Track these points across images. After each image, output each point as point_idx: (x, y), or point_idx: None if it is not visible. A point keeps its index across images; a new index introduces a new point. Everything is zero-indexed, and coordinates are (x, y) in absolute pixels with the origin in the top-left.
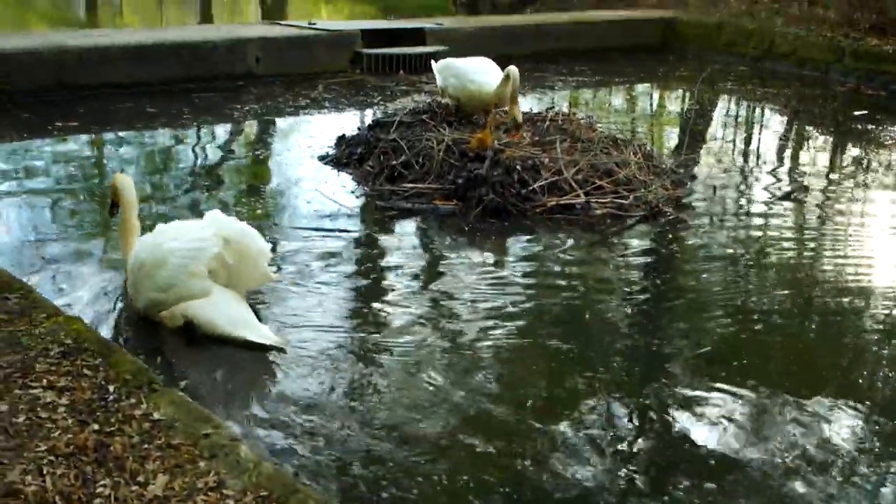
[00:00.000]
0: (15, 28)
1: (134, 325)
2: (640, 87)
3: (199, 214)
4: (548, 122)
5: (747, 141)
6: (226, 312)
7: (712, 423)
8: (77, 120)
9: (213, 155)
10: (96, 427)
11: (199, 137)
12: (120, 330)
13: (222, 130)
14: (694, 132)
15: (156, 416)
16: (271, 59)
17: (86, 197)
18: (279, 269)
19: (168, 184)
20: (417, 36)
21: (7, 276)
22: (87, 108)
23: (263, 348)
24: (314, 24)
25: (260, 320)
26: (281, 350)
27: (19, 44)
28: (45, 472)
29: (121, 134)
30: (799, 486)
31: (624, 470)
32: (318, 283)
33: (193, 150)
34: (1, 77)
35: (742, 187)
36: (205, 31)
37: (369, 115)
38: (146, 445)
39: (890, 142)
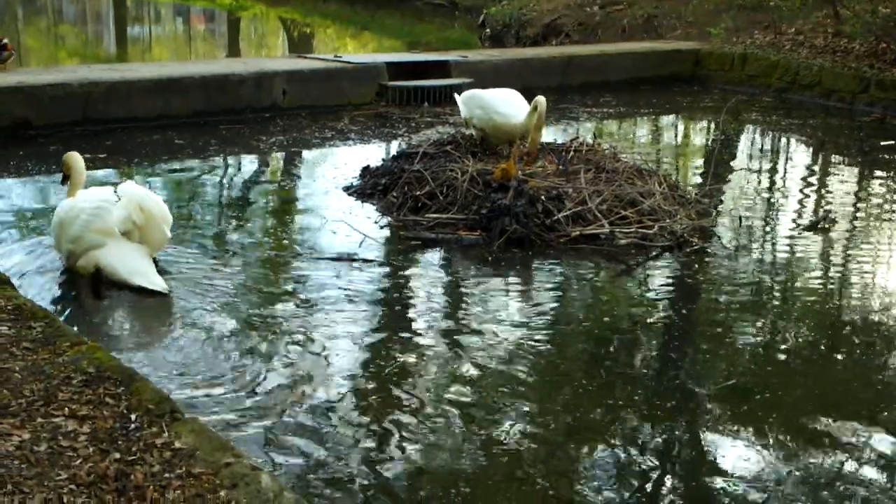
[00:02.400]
0: (47, 64)
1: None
2: (665, 119)
3: (226, 245)
4: (572, 153)
5: (772, 171)
6: (127, 263)
7: (738, 456)
8: (105, 152)
9: (240, 186)
10: (117, 456)
11: (225, 169)
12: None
13: (249, 162)
14: (719, 162)
15: (177, 444)
16: (297, 92)
17: None
18: (307, 300)
19: (195, 215)
20: (443, 68)
21: (31, 305)
22: (115, 140)
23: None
24: (340, 57)
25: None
26: (164, 294)
27: (49, 78)
28: (65, 500)
29: (148, 166)
30: None
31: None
32: (342, 312)
33: (220, 182)
34: (31, 111)
35: (767, 217)
36: (232, 65)
37: (394, 147)
38: (167, 474)
39: None
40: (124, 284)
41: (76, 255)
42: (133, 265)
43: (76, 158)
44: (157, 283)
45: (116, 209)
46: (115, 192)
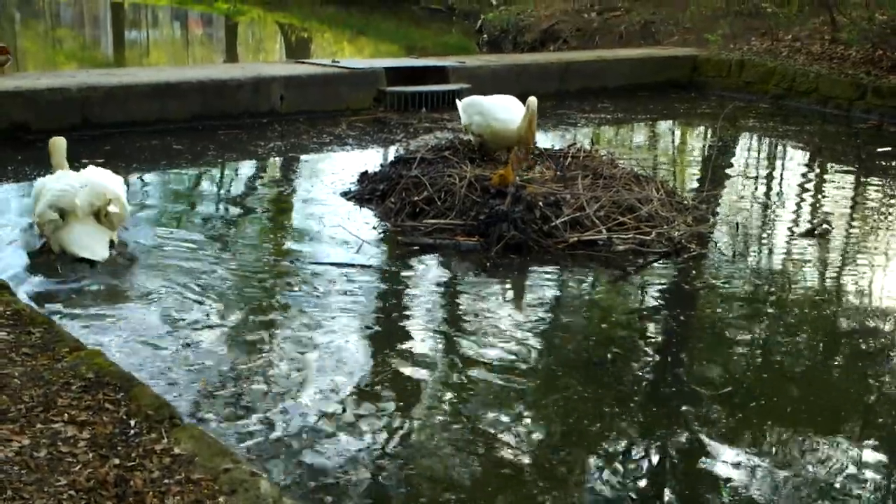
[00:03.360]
0: (44, 68)
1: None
2: (663, 125)
3: (223, 250)
4: (570, 159)
5: (770, 178)
6: (81, 241)
7: (734, 463)
8: (103, 157)
9: (238, 191)
10: (117, 461)
11: (223, 174)
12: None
13: (247, 167)
14: (716, 169)
15: (176, 450)
16: (295, 97)
17: None
18: (304, 306)
19: (193, 219)
20: (440, 74)
21: (30, 311)
22: (114, 145)
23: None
24: (338, 62)
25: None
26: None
27: (47, 82)
28: None
29: (146, 170)
30: None
31: None
32: (340, 317)
33: (218, 187)
34: (29, 115)
35: (765, 224)
36: (230, 70)
37: (392, 152)
38: (166, 480)
39: None
40: (74, 257)
41: (41, 228)
42: (84, 242)
43: (55, 144)
44: (97, 253)
45: (83, 193)
46: (80, 177)
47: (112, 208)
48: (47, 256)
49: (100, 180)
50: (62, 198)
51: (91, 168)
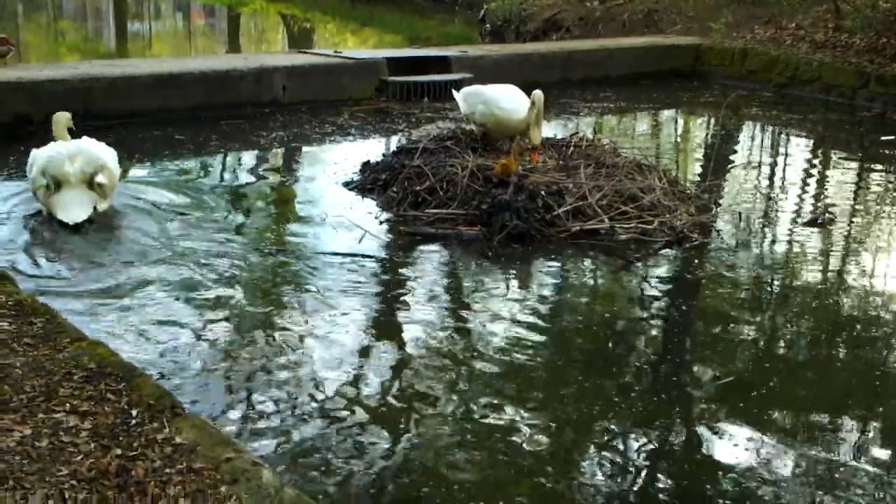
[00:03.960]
0: (47, 60)
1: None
2: (666, 114)
3: (225, 240)
4: (572, 148)
5: (773, 166)
6: (63, 204)
7: (738, 450)
8: None
9: (240, 181)
10: (118, 451)
11: (225, 164)
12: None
13: (249, 157)
14: (719, 158)
15: (178, 440)
16: (297, 87)
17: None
18: (307, 296)
19: (195, 210)
20: (443, 64)
21: (32, 301)
22: (116, 136)
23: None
24: (340, 52)
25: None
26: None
27: (49, 74)
28: (67, 496)
29: (149, 161)
30: None
31: (646, 498)
32: (342, 307)
33: (220, 177)
34: (31, 106)
35: (767, 213)
36: (232, 60)
37: (394, 142)
38: (168, 470)
39: None
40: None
41: (36, 195)
42: (66, 206)
43: (56, 118)
44: (70, 217)
45: (78, 162)
46: (71, 145)
47: (100, 178)
48: (36, 222)
49: (91, 148)
50: (50, 163)
51: (84, 138)
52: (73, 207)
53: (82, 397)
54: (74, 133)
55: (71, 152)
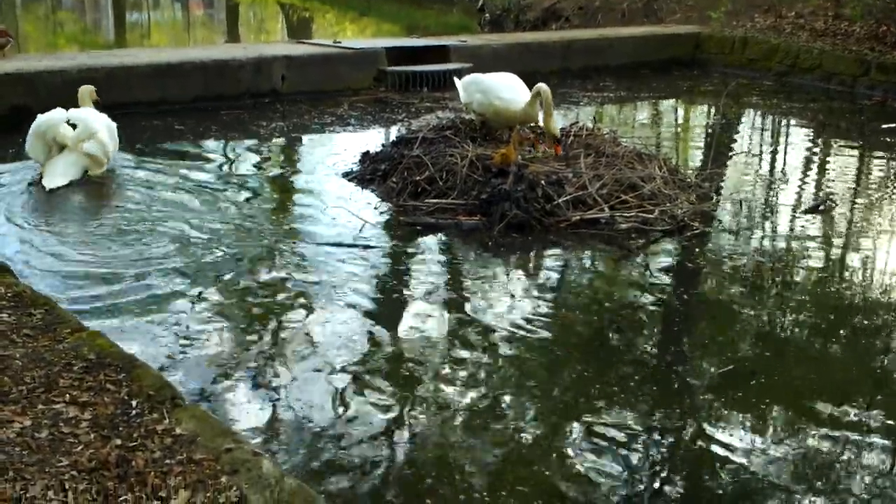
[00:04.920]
0: (46, 51)
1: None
2: (666, 103)
3: (225, 230)
4: (572, 137)
5: (773, 155)
6: (52, 167)
7: (738, 439)
8: None
9: (240, 171)
10: (118, 442)
11: (225, 154)
12: None
13: (249, 147)
14: (719, 146)
15: (178, 430)
16: (296, 77)
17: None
18: (307, 286)
19: (193, 200)
20: (442, 53)
21: (31, 292)
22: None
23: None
24: (339, 42)
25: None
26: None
27: (48, 65)
28: (67, 487)
29: (149, 151)
30: None
31: (646, 488)
32: (342, 297)
33: (220, 167)
34: (30, 97)
35: (768, 201)
36: (231, 50)
37: (393, 132)
38: (168, 460)
39: None
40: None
41: (32, 156)
42: (51, 170)
43: (81, 91)
44: (49, 183)
45: (77, 131)
46: (68, 116)
47: (87, 145)
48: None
49: (88, 117)
50: (41, 126)
51: (86, 108)
52: (56, 175)
53: (82, 388)
54: (99, 105)
55: (70, 117)
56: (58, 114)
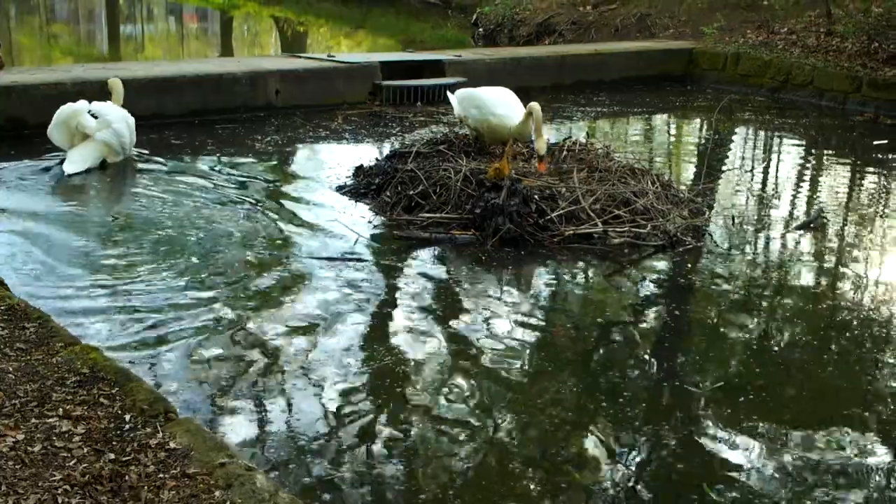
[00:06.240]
0: (40, 63)
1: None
2: (659, 118)
3: (219, 243)
4: (565, 152)
5: (765, 170)
6: (72, 156)
7: (729, 454)
8: None
9: (235, 185)
10: (112, 456)
11: (221, 168)
12: None
13: (244, 161)
14: (712, 162)
15: (171, 445)
16: (291, 91)
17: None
18: (300, 300)
19: (189, 213)
20: (436, 68)
21: (25, 306)
22: None
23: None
24: (333, 56)
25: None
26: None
27: (43, 77)
28: (60, 501)
29: (144, 164)
30: None
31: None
32: (335, 311)
33: (216, 181)
34: (25, 110)
35: (760, 217)
36: (225, 64)
37: (387, 146)
38: (161, 475)
39: None
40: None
41: (54, 143)
42: (71, 158)
43: (112, 83)
44: (68, 168)
45: (97, 122)
46: (91, 108)
47: (102, 134)
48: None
49: (107, 110)
50: (63, 113)
51: (109, 103)
52: (76, 162)
53: (75, 402)
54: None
55: (92, 109)
56: (81, 104)
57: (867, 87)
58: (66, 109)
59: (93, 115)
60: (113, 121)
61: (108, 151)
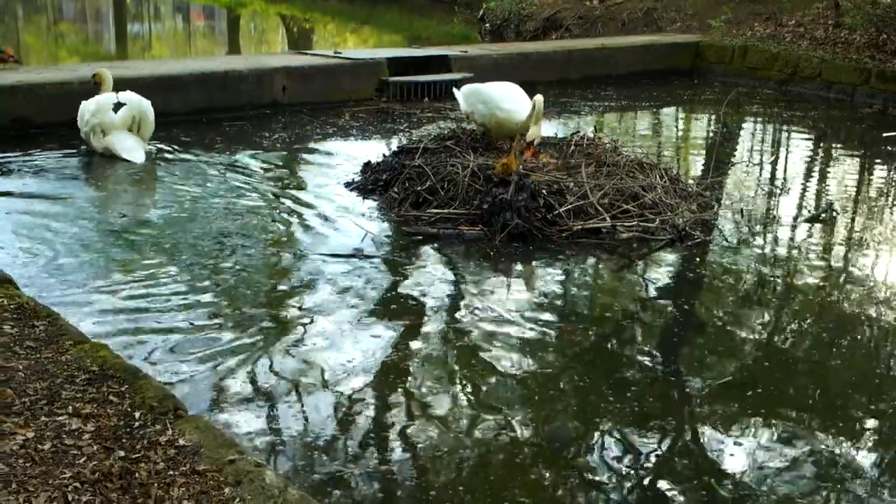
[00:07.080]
0: (47, 62)
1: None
2: (666, 111)
3: (228, 241)
4: (573, 147)
5: (774, 163)
6: (124, 145)
7: (737, 450)
8: None
9: (242, 182)
10: (122, 454)
11: (230, 165)
12: None
13: (251, 158)
14: (720, 155)
15: (181, 442)
16: (298, 88)
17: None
18: (309, 296)
19: (198, 211)
20: (443, 63)
21: (34, 304)
22: None
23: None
24: (340, 53)
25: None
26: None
27: (49, 76)
28: (70, 499)
29: (156, 162)
30: None
31: (643, 499)
32: (344, 308)
33: (224, 178)
34: (31, 109)
35: (769, 210)
36: (232, 62)
37: (395, 142)
38: (171, 472)
39: None
40: (119, 158)
41: (88, 136)
42: (126, 146)
43: (104, 75)
44: (135, 157)
45: (122, 111)
46: (118, 98)
47: (145, 103)
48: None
49: (133, 98)
50: (97, 111)
51: (127, 91)
52: (132, 149)
53: (85, 400)
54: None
55: (114, 101)
56: (104, 98)
57: (876, 79)
58: (93, 110)
59: (118, 105)
60: (145, 108)
61: (147, 127)
